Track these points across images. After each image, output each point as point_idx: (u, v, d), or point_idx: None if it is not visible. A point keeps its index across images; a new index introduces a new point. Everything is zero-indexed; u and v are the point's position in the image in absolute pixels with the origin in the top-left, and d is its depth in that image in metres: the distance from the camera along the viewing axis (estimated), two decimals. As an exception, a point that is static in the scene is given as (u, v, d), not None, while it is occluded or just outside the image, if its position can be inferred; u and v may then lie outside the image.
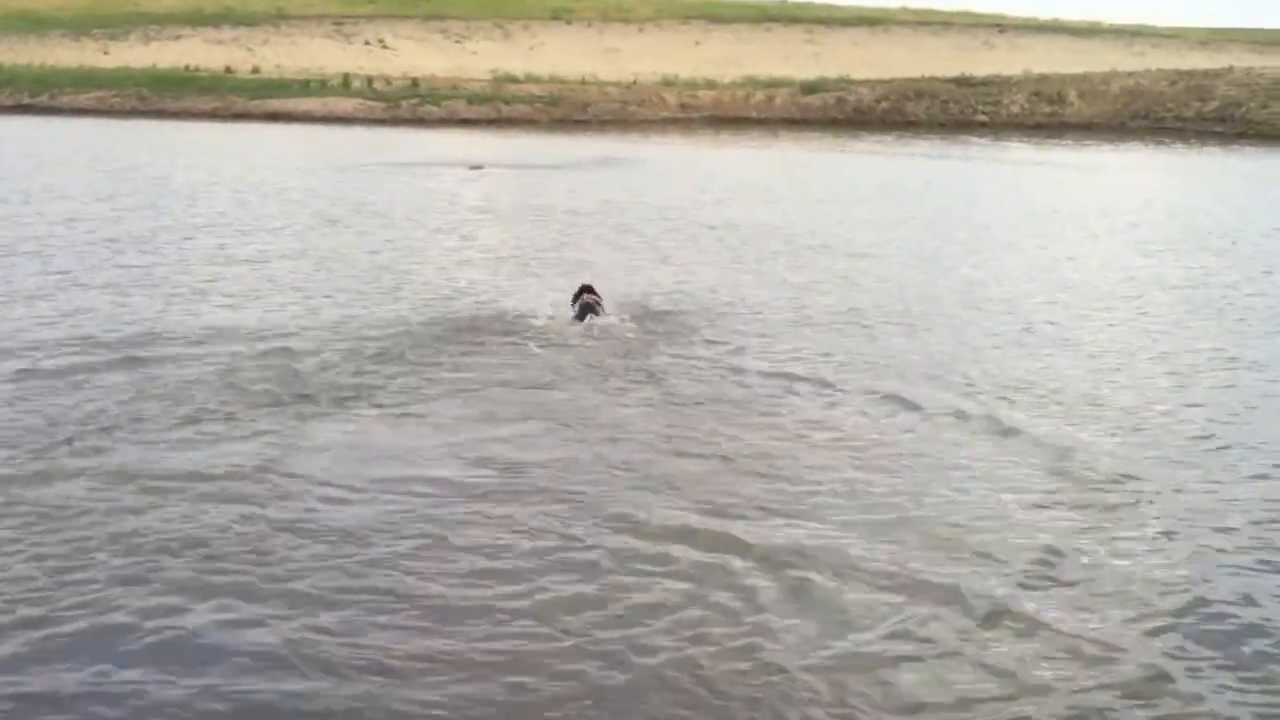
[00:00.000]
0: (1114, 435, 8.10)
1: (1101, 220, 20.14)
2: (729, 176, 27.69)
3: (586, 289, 11.10)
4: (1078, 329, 11.53)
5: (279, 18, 67.00)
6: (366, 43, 63.35)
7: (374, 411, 8.36)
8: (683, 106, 49.40)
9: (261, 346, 9.96)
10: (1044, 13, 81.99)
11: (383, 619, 5.37)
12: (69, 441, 7.48)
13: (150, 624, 5.27)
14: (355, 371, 9.30)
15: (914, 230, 18.65)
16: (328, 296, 12.28)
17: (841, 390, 9.01)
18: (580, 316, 10.76)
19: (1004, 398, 8.90)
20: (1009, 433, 8.03)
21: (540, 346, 10.17)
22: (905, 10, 79.33)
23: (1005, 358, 10.24)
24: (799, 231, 17.85)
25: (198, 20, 64.86)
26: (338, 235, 16.76)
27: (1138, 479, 7.23)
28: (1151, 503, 6.89)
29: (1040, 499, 6.90)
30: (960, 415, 8.38)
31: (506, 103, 47.12)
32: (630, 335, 10.56)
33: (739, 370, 9.52)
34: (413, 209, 19.84)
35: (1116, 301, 12.99)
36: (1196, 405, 8.94)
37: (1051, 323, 11.79)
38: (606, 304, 11.11)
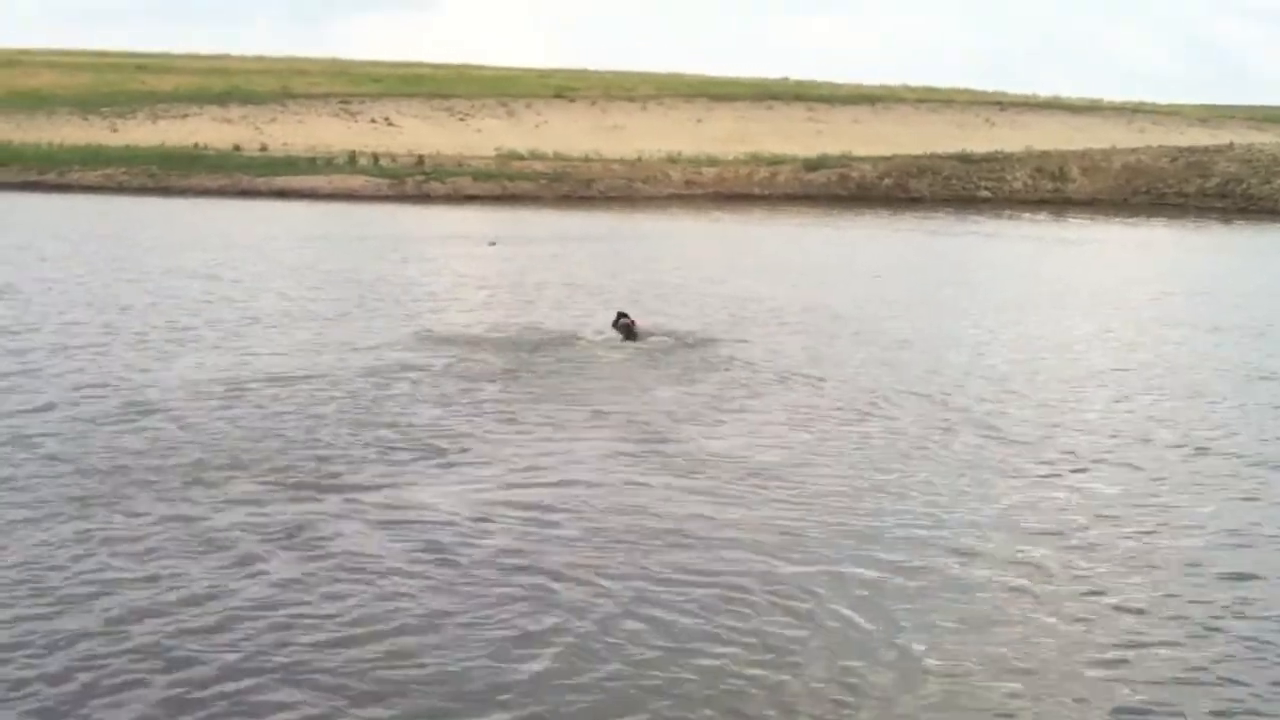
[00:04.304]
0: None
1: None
2: (738, 251, 27.83)
3: (622, 314, 14.17)
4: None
5: (286, 96, 67.67)
6: (372, 121, 63.89)
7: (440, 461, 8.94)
8: (687, 183, 49.61)
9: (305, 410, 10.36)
10: (1043, 90, 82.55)
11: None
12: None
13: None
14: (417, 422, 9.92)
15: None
16: (372, 350, 12.86)
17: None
18: (624, 337, 13.78)
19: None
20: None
21: (597, 373, 12.33)
22: (906, 88, 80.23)
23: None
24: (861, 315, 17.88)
25: (205, 99, 65.45)
26: (381, 303, 17.19)
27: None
28: None
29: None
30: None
31: (511, 179, 47.30)
32: (663, 338, 13.84)
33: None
34: (443, 281, 20.23)
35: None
36: None
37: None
38: (640, 325, 14.07)
